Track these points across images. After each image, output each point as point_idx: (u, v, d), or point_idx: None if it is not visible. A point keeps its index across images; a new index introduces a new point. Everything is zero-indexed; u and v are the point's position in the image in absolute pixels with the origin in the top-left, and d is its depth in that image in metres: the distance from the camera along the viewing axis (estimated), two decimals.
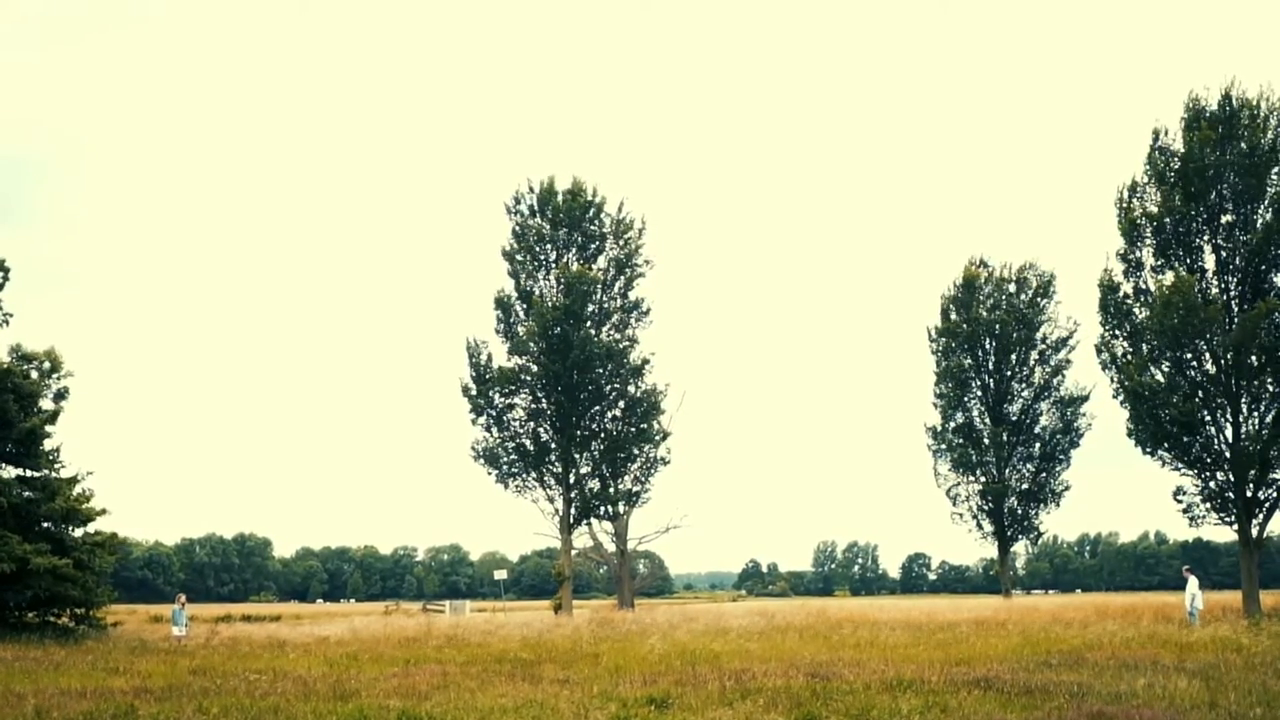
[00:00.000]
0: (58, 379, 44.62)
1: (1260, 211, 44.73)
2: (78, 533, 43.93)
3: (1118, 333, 47.47)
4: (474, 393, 58.25)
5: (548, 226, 58.70)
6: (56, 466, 44.13)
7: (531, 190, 59.34)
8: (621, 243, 58.75)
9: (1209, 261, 45.70)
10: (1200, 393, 45.58)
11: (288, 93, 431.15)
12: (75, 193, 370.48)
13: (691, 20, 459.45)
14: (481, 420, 58.51)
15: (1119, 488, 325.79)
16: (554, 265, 58.33)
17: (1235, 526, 46.47)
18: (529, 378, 57.70)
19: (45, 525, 42.98)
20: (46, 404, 44.06)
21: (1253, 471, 45.18)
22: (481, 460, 58.35)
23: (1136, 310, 46.91)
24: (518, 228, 59.16)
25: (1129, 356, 46.92)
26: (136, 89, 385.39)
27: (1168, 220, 45.90)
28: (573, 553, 60.14)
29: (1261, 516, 46.26)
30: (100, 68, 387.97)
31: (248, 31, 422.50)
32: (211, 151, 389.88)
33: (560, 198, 58.65)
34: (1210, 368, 45.57)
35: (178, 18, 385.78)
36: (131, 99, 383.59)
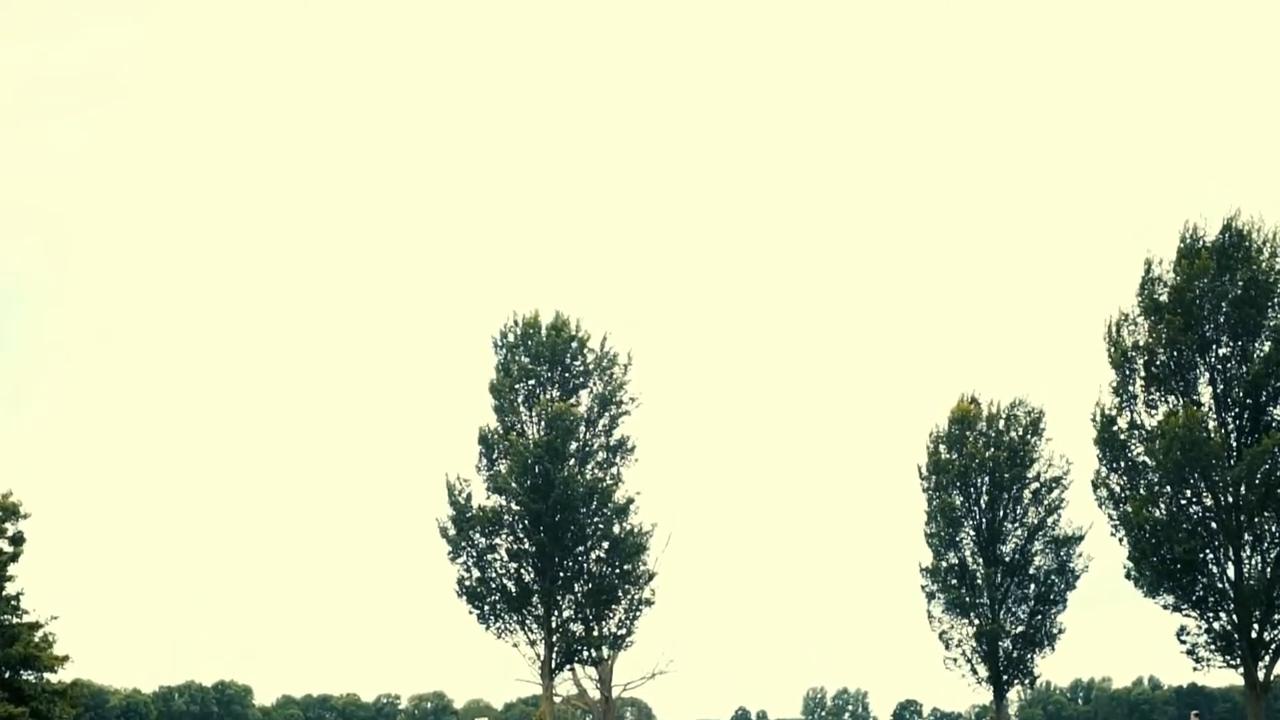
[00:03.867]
0: (15, 521, 43.52)
1: (1258, 344, 44.31)
2: (40, 679, 42.38)
3: (1115, 468, 46.66)
4: (452, 533, 57.00)
5: (530, 362, 58.02)
6: (19, 612, 42.89)
7: (515, 325, 58.79)
8: (605, 379, 58.00)
9: (1205, 394, 45.20)
10: (1203, 530, 44.63)
11: (265, 211, 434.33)
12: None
13: (660, 154, 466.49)
14: (460, 560, 57.18)
15: (1109, 629, 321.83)
16: (536, 401, 57.56)
17: (1241, 669, 45.07)
18: (510, 517, 56.55)
19: (2, 672, 41.40)
20: (3, 546, 42.88)
21: (1258, 612, 44.03)
22: (465, 598, 56.98)
23: (1134, 445, 46.17)
24: (502, 362, 58.48)
25: (1127, 492, 46.06)
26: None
27: (1160, 352, 45.42)
28: (556, 700, 58.36)
29: (1268, 659, 44.90)
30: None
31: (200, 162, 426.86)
32: (179, 279, 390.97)
33: (543, 333, 57.99)
34: (1211, 504, 44.72)
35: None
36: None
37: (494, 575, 57.05)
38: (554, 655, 56.62)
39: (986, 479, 66.86)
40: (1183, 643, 46.58)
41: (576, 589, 57.15)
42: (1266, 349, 43.88)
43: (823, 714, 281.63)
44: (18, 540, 43.06)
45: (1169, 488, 44.80)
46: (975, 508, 67.35)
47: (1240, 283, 44.41)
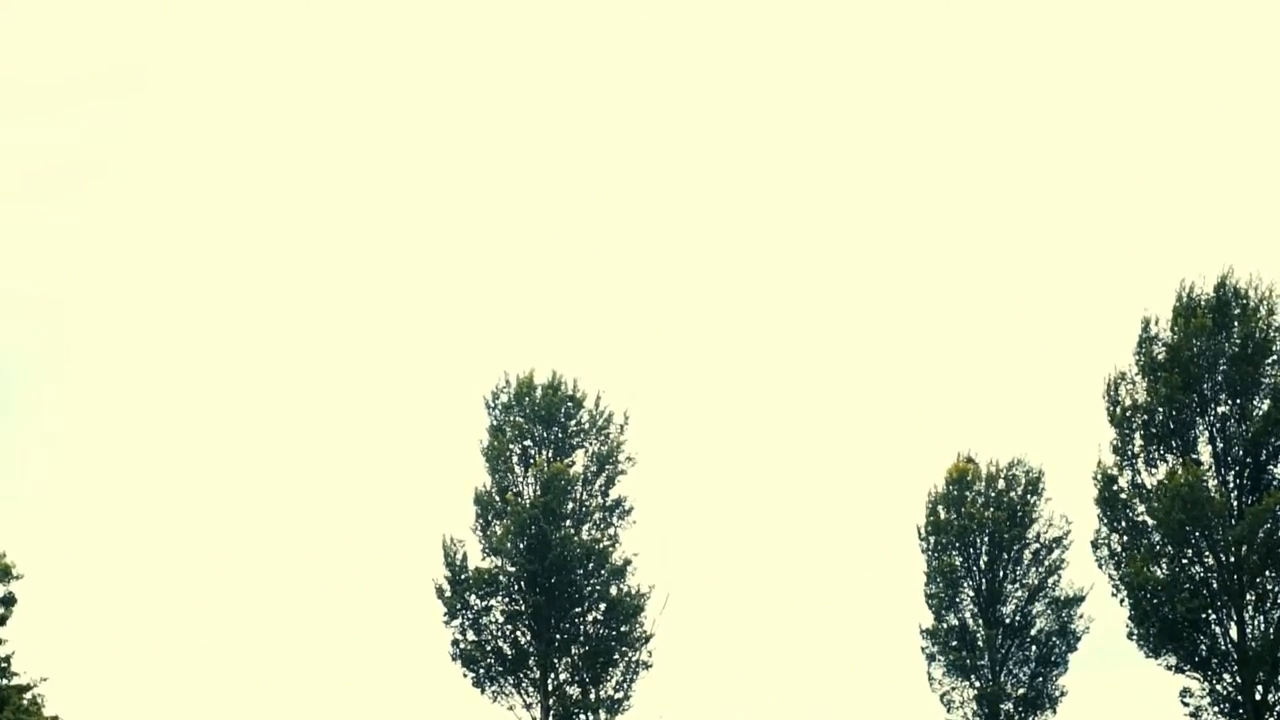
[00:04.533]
0: (7, 582, 43.15)
1: (1257, 402, 44.30)
2: None
3: (1116, 528, 46.45)
4: (448, 594, 56.61)
5: (525, 422, 57.89)
6: (8, 674, 42.45)
7: (508, 384, 58.73)
8: (601, 439, 57.93)
9: (1204, 453, 45.12)
10: (1205, 590, 44.35)
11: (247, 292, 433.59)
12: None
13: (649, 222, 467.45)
14: (456, 623, 56.72)
15: (1111, 691, 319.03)
16: (532, 462, 57.35)
17: None
18: (506, 579, 56.20)
19: None
20: None
21: (1262, 673, 43.63)
22: (460, 661, 56.43)
23: (1135, 504, 46.00)
24: (495, 423, 58.36)
25: (1128, 552, 45.82)
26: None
27: (1160, 411, 45.37)
28: None
29: None
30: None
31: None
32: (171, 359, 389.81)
33: (539, 393, 57.93)
34: (1213, 563, 44.48)
35: None
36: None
37: (489, 638, 56.64)
38: (550, 719, 56.03)
39: (986, 539, 66.46)
40: (1185, 705, 46.12)
41: (573, 651, 56.65)
42: (1265, 407, 43.86)
43: None
44: (9, 601, 42.68)
45: (1170, 547, 44.57)
46: (975, 568, 66.87)
47: (1237, 340, 44.45)
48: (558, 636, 56.28)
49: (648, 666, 56.88)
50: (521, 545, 55.43)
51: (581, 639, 56.72)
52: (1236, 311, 44.67)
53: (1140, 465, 46.16)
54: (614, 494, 57.64)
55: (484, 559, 56.58)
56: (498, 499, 57.31)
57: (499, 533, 55.84)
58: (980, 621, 66.27)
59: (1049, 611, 65.94)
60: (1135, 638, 45.93)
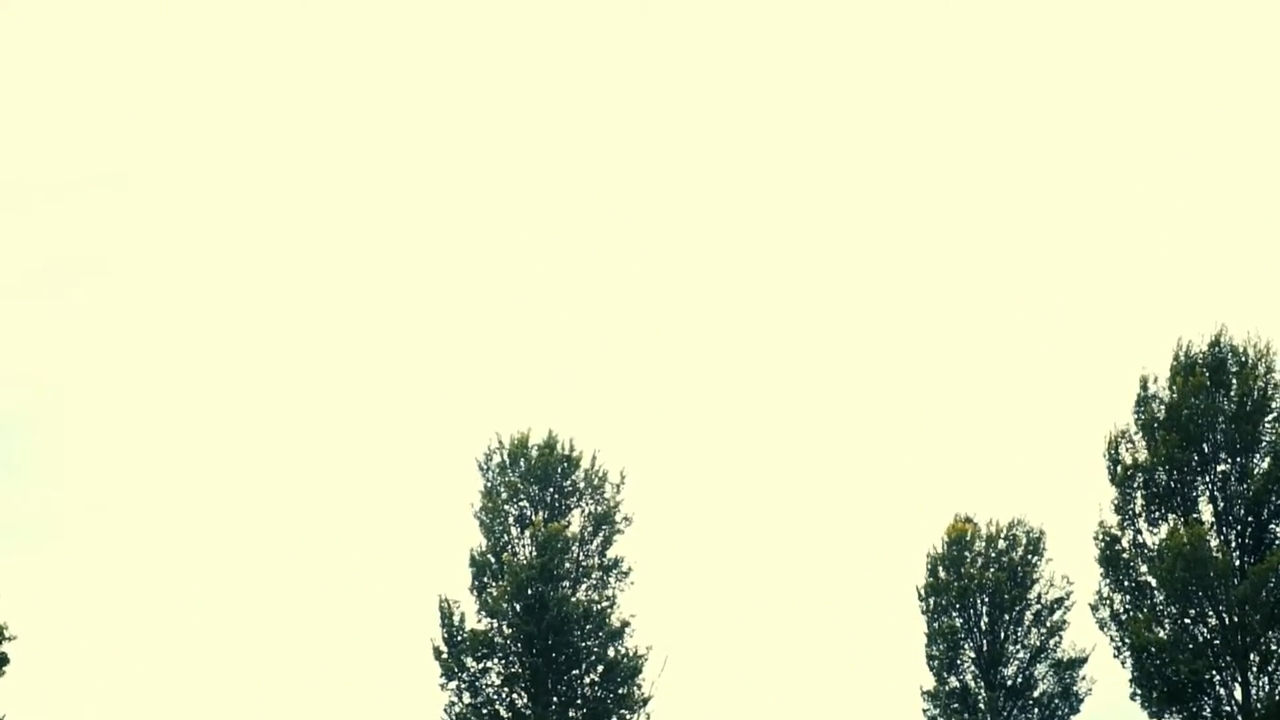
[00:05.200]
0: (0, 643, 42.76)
1: (1257, 460, 44.20)
2: None
3: (1118, 588, 46.19)
4: (445, 656, 56.17)
5: (520, 482, 57.69)
6: None
7: (502, 446, 58.52)
8: (597, 499, 57.68)
9: (1206, 512, 44.99)
10: (1209, 650, 44.01)
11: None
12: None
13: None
14: (453, 685, 56.20)
15: None
16: (528, 523, 57.09)
17: None
18: (503, 640, 55.79)
19: None
20: None
21: None
22: None
23: (1138, 564, 45.81)
24: (488, 485, 58.12)
25: (1130, 612, 45.53)
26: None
27: (1160, 470, 45.26)
28: None
29: None
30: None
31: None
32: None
33: (534, 452, 57.76)
34: (1216, 624, 44.20)
35: None
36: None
37: (486, 701, 56.14)
38: None
39: (986, 600, 66.06)
40: None
41: (571, 714, 56.10)
42: (1265, 465, 43.80)
43: None
44: (2, 661, 42.40)
45: (1173, 607, 44.32)
46: (975, 629, 66.44)
47: (1235, 398, 44.49)
48: (555, 699, 55.75)
49: None
50: (518, 607, 55.04)
51: (579, 701, 56.19)
52: (1234, 369, 44.75)
53: (1142, 524, 46.02)
54: (611, 554, 57.31)
55: (479, 620, 56.14)
56: (493, 561, 57.01)
57: (495, 594, 55.41)
58: (982, 683, 65.69)
59: (1051, 673, 65.40)
60: (1139, 699, 45.44)
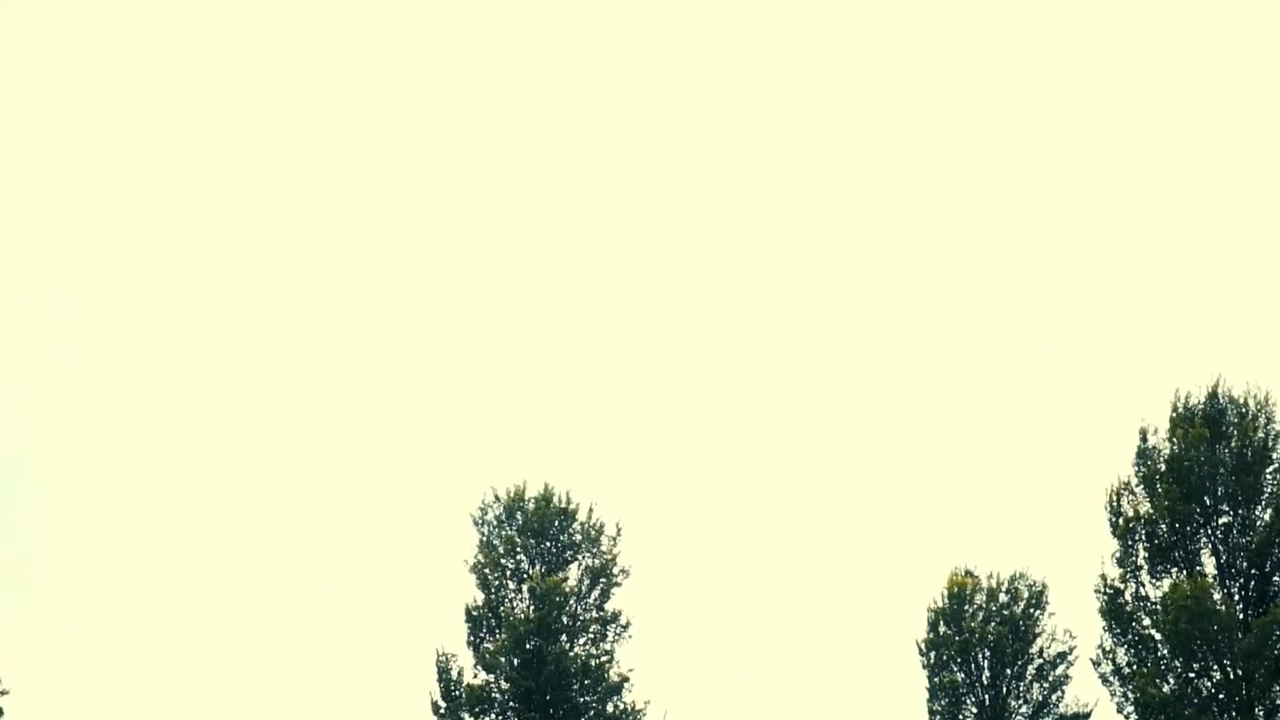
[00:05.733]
0: None
1: (1259, 511, 44.03)
2: None
3: (1122, 641, 45.89)
4: (443, 711, 55.67)
5: (517, 536, 57.41)
6: None
7: (498, 499, 58.28)
8: (594, 551, 57.35)
9: (1208, 565, 44.79)
10: (1214, 705, 43.63)
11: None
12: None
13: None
14: None
15: None
16: (526, 577, 56.74)
17: None
18: (500, 695, 55.33)
19: None
20: None
21: None
22: None
23: (1141, 617, 45.54)
24: (484, 539, 57.84)
25: (1134, 666, 45.22)
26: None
27: (1162, 523, 45.10)
28: None
29: None
30: None
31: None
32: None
33: (530, 505, 57.46)
34: (1220, 678, 43.87)
35: None
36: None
37: None
38: None
39: (988, 655, 65.61)
40: None
41: None
42: (1267, 516, 43.64)
43: None
44: None
45: (1178, 661, 44.00)
46: (977, 684, 65.96)
47: (1235, 450, 44.39)
48: None
49: None
50: (516, 661, 54.62)
51: None
52: (1234, 420, 44.70)
53: (1145, 577, 45.80)
54: (609, 607, 56.96)
55: (476, 675, 55.68)
56: (490, 615, 56.70)
57: (492, 649, 55.04)
58: None
59: None
60: None
